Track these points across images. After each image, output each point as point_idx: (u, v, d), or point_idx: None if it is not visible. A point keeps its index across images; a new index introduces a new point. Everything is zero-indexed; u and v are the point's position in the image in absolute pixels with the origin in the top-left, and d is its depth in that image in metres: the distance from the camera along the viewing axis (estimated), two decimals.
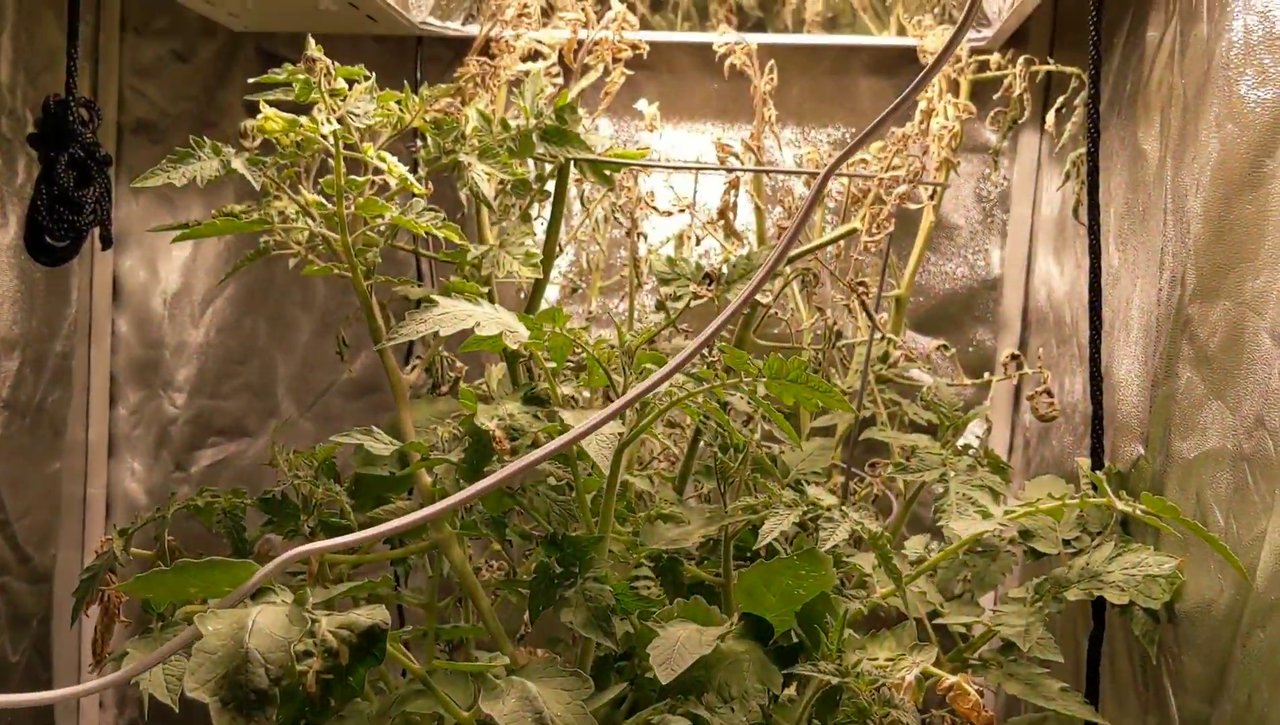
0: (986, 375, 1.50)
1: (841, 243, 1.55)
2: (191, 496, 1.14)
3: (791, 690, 1.07)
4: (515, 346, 1.05)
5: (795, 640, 1.01)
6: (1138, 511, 1.05)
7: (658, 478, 1.43)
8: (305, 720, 0.80)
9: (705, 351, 1.18)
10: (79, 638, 1.90)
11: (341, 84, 1.10)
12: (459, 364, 1.49)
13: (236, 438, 1.98)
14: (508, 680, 0.89)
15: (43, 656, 1.87)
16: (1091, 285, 1.32)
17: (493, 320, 1.05)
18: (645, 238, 1.51)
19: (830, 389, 1.00)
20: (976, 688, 0.94)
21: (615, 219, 1.51)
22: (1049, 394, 1.42)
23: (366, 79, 1.14)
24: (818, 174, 1.13)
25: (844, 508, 1.10)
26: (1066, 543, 1.25)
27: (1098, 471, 1.17)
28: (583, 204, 1.52)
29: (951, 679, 0.94)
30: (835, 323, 1.49)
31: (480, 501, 1.16)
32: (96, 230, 1.44)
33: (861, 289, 1.29)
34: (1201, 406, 1.14)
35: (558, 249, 1.37)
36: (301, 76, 1.11)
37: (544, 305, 1.35)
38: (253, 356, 1.97)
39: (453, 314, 1.04)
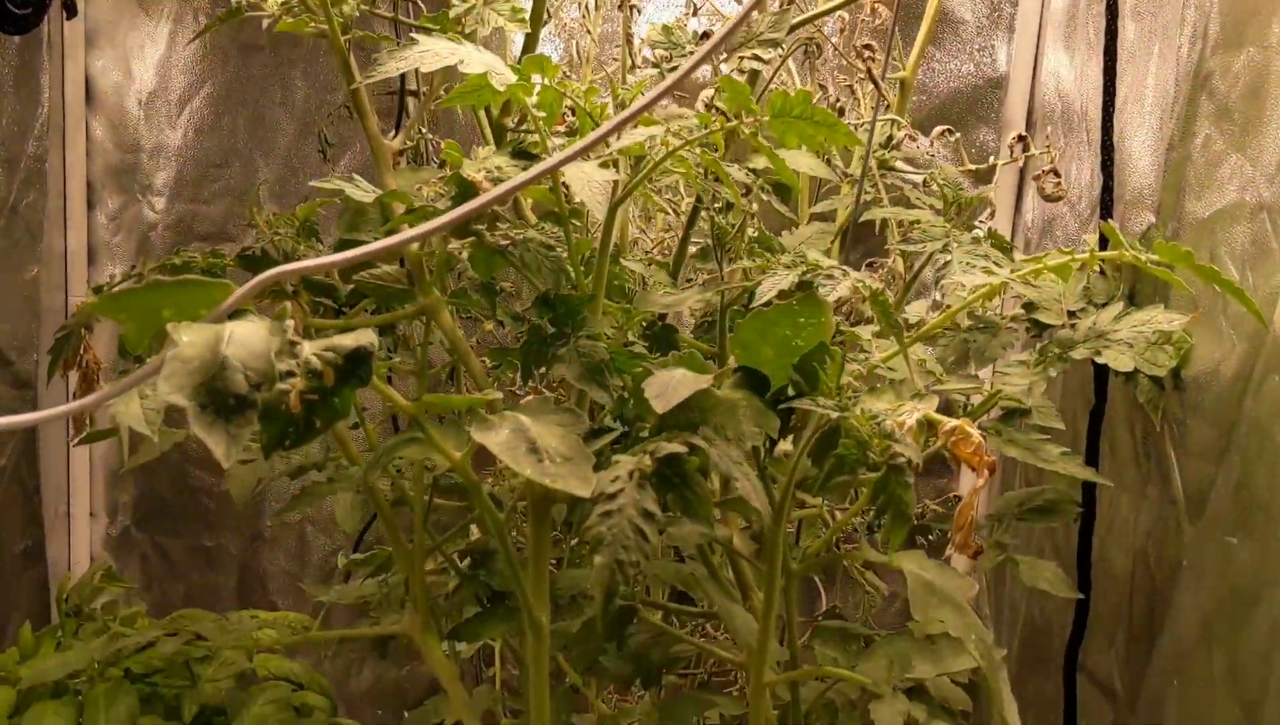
0: (992, 159, 1.45)
1: (845, 19, 1.48)
2: (169, 256, 1.09)
3: (787, 444, 1.05)
4: (502, 89, 0.99)
5: (793, 395, 0.98)
6: (1149, 262, 1.02)
7: (652, 264, 1.40)
8: (289, 440, 0.78)
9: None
10: (65, 445, 1.88)
11: None
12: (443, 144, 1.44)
13: (219, 243, 1.93)
14: (500, 415, 0.87)
15: (29, 461, 1.86)
16: (1106, 50, 1.26)
17: (477, 60, 0.99)
18: (639, 11, 1.44)
19: (836, 123, 0.95)
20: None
21: None
22: (1056, 174, 1.37)
23: None
24: None
25: (845, 268, 1.07)
26: (1071, 315, 1.22)
27: (1108, 220, 1.13)
28: None
29: (953, 422, 0.91)
30: (838, 101, 1.43)
31: (470, 265, 1.12)
32: None
33: (867, 54, 1.23)
34: (1219, 162, 1.09)
35: (545, 15, 1.30)
36: None
37: None
38: (233, 159, 1.91)
39: (435, 51, 0.98)
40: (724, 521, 1.15)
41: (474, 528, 1.35)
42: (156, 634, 1.25)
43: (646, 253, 1.54)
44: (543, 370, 1.31)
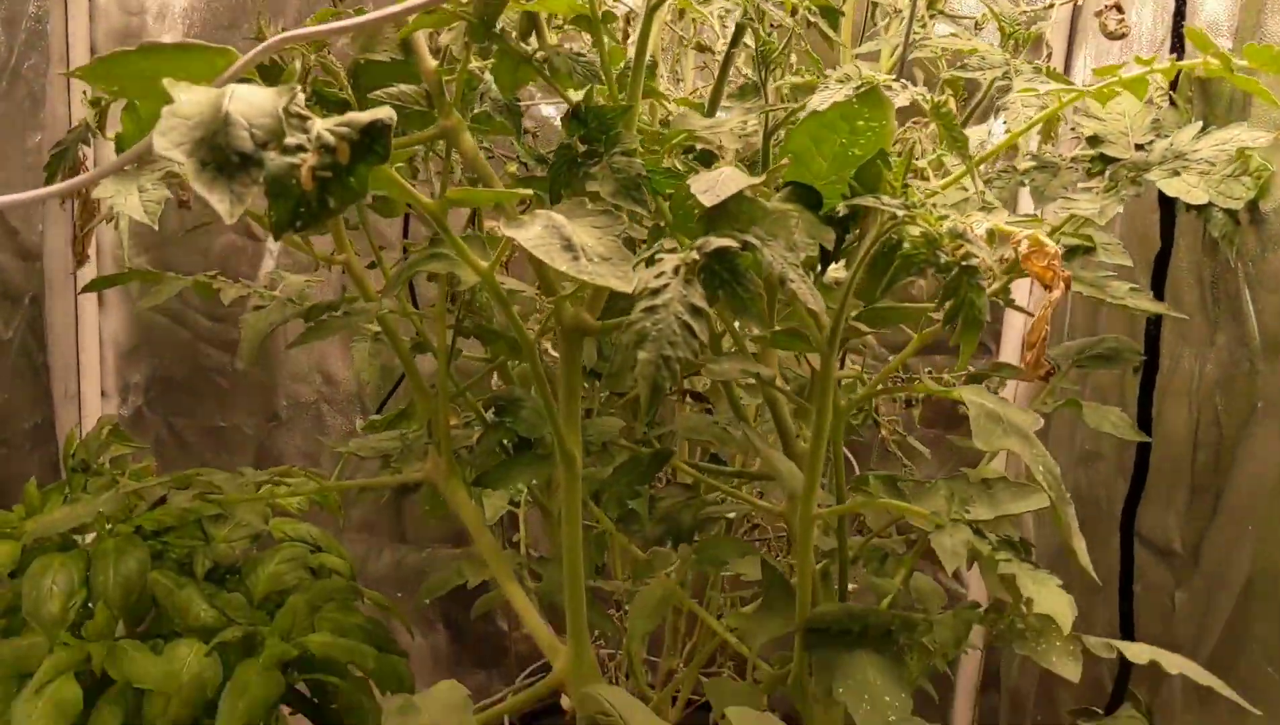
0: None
1: None
2: None
3: (840, 272, 0.97)
4: None
5: (851, 201, 0.90)
6: (1235, 70, 0.93)
7: (685, 105, 1.31)
8: (301, 221, 0.70)
9: None
10: (75, 316, 1.82)
11: None
12: None
13: None
14: (533, 212, 0.79)
15: (36, 335, 1.80)
16: None
17: None
18: None
19: None
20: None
21: None
22: (1119, 9, 1.27)
23: None
24: None
25: (904, 81, 0.98)
26: (1139, 148, 1.13)
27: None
28: None
29: (1026, 232, 0.84)
30: None
31: (493, 78, 1.04)
32: None
33: None
34: None
35: None
36: None
37: None
38: (242, 21, 1.82)
39: None
40: (764, 358, 1.08)
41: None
42: (167, 486, 1.19)
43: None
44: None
